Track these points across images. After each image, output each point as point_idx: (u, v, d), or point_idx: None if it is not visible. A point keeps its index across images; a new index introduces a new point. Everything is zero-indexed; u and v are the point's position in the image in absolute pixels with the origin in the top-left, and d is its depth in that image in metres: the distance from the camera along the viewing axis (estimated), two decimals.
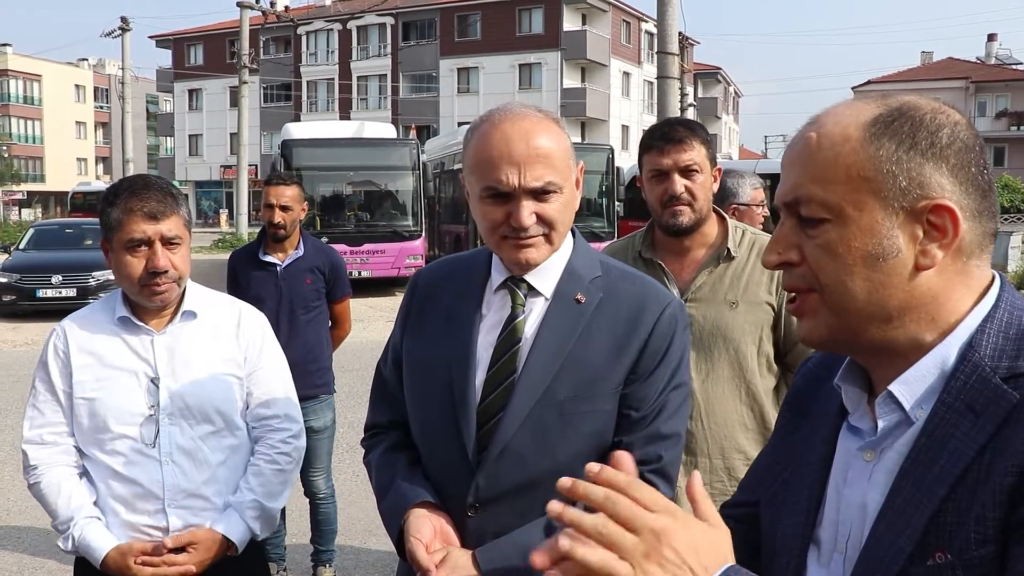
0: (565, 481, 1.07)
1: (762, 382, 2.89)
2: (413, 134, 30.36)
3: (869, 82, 61.81)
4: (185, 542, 2.58)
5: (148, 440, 2.60)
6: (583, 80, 54.76)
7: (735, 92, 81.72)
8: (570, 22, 53.38)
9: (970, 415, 1.14)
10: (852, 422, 1.30)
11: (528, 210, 1.91)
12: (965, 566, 1.09)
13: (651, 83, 17.04)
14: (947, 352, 1.19)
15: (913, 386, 1.21)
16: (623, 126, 56.36)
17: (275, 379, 2.83)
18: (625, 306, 2.00)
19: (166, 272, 2.56)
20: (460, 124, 38.28)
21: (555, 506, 1.06)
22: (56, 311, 16.72)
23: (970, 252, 1.20)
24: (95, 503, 2.63)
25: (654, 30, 17.09)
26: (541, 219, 1.94)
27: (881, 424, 1.24)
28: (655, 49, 17.12)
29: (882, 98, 1.23)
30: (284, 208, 4.94)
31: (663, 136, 2.92)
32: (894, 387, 1.22)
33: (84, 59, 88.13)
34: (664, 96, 16.33)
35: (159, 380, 2.62)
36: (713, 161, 2.96)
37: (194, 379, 2.65)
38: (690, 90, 47.81)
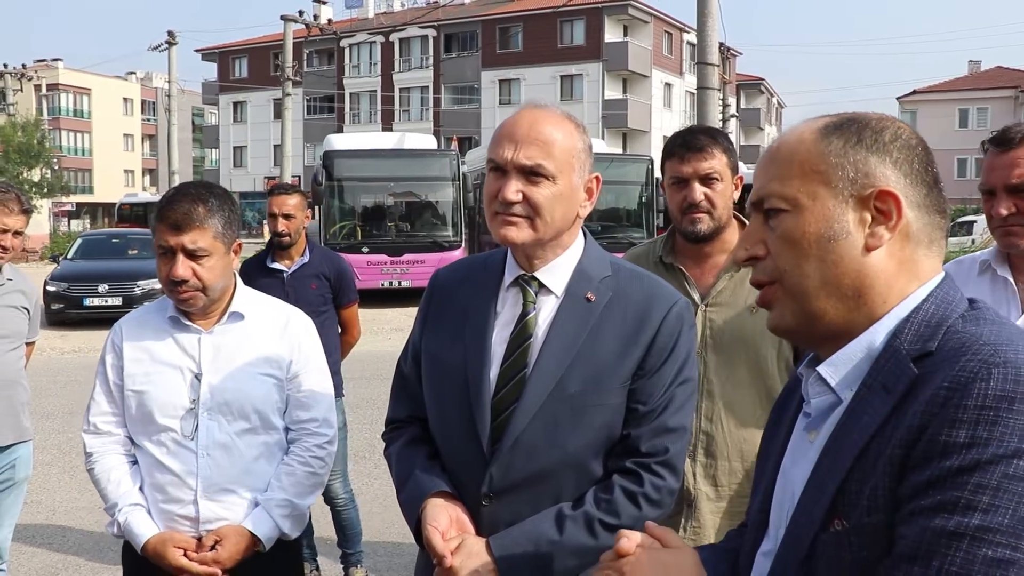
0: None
1: (781, 386, 2.90)
2: (454, 145, 30.46)
3: (915, 92, 61.14)
4: (212, 541, 2.67)
5: (187, 433, 2.71)
6: (624, 91, 54.72)
7: (778, 103, 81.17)
8: (612, 33, 53.39)
9: (883, 393, 1.22)
10: (804, 407, 1.39)
11: (515, 187, 2.01)
12: (856, 533, 1.18)
13: (693, 94, 17.00)
14: (874, 337, 1.28)
15: (840, 367, 1.31)
16: (664, 137, 55.92)
17: (316, 384, 2.90)
18: (633, 305, 2.08)
19: (186, 281, 2.64)
20: None
21: None
22: (102, 319, 17.03)
23: (918, 240, 1.30)
24: (141, 490, 2.76)
25: (696, 41, 17.03)
26: (527, 200, 2.01)
27: (812, 403, 1.35)
28: (696, 60, 17.09)
29: (835, 114, 1.37)
30: (287, 216, 5.14)
31: (684, 144, 2.94)
32: (822, 368, 1.32)
33: (132, 73, 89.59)
34: (704, 107, 16.27)
35: (202, 376, 2.73)
36: (734, 169, 2.97)
37: (235, 377, 2.75)
38: (732, 101, 47.58)
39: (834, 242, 1.28)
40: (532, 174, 2.01)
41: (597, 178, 2.14)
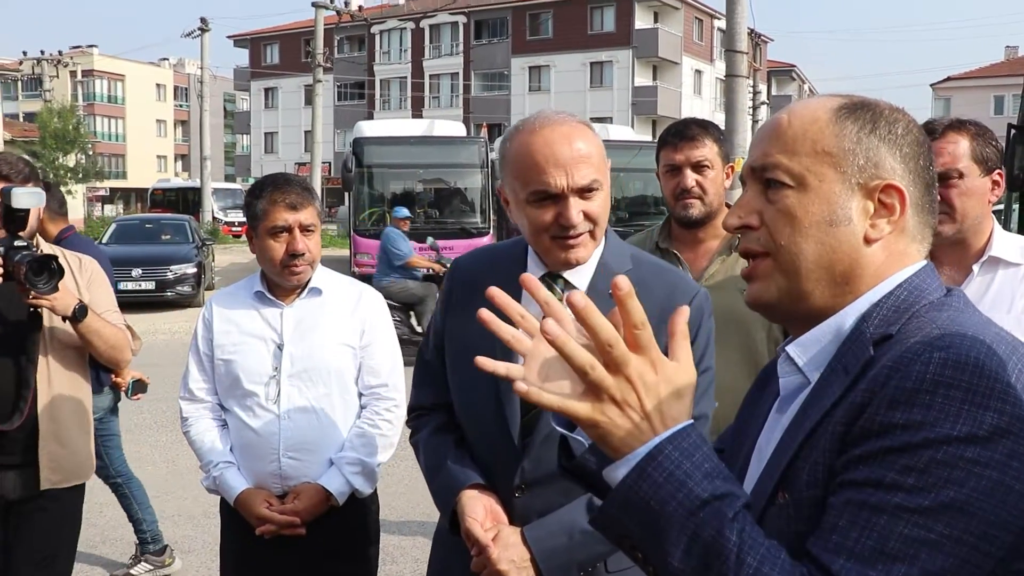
0: (579, 299, 1.16)
1: None
2: (484, 132, 30.52)
3: (949, 78, 60.46)
4: (292, 497, 2.96)
5: (271, 398, 2.99)
6: (654, 78, 54.53)
7: (810, 90, 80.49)
8: (642, 20, 53.19)
9: (843, 374, 1.22)
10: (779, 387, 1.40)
11: (576, 208, 2.02)
12: (795, 505, 1.19)
13: (723, 81, 16.95)
14: (843, 320, 1.29)
15: (808, 348, 1.31)
16: None
17: (385, 353, 3.14)
18: (656, 297, 2.07)
19: (303, 255, 2.93)
20: None
21: (579, 298, 1.17)
22: (136, 303, 17.22)
23: (912, 236, 1.31)
24: (231, 450, 3.04)
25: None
26: (587, 216, 2.05)
27: (781, 382, 1.36)
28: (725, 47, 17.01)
29: (847, 96, 1.35)
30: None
31: (677, 133, 3.16)
32: (790, 348, 1.33)
33: (165, 59, 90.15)
34: (733, 94, 16.15)
35: (284, 346, 3.00)
36: (726, 158, 3.18)
37: (313, 347, 3.01)
38: (763, 88, 47.27)
39: (835, 227, 1.27)
40: (588, 190, 2.04)
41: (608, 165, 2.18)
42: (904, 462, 1.09)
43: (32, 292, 3.01)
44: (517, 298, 2.11)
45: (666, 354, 1.22)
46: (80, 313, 3.17)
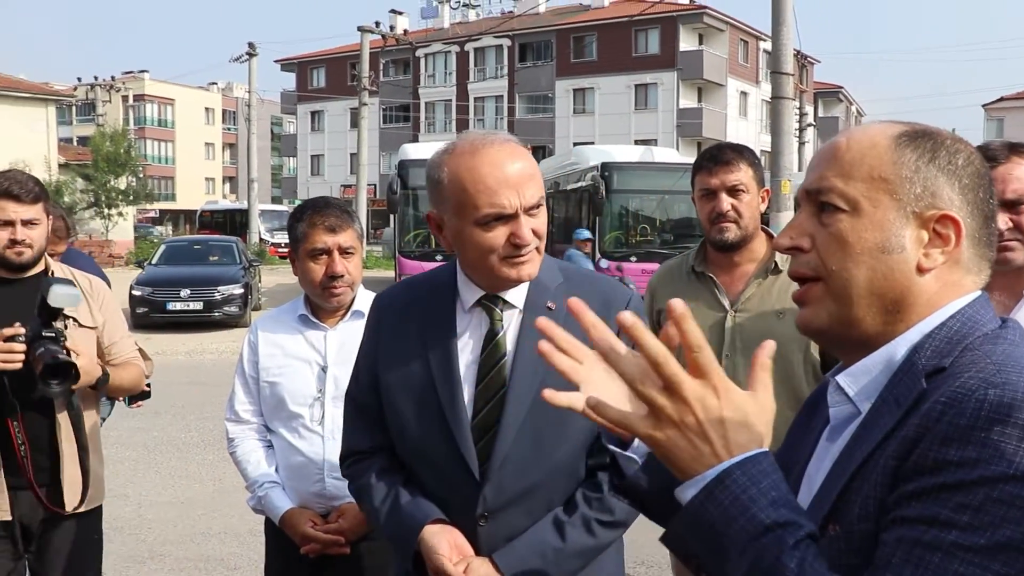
0: (627, 317, 1.18)
1: (808, 390, 2.97)
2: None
3: (1002, 99, 59.61)
4: (336, 516, 2.97)
5: (316, 419, 3.02)
6: (699, 100, 54.37)
7: (857, 111, 79.86)
8: (686, 42, 53.10)
9: (895, 407, 1.21)
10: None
11: (528, 227, 2.01)
12: (847, 539, 1.19)
13: (769, 102, 16.93)
14: (895, 350, 1.27)
15: (859, 378, 1.30)
16: None
17: None
18: (592, 307, 2.06)
19: (342, 277, 2.97)
20: (575, 144, 38.43)
21: (627, 317, 1.19)
22: (184, 323, 17.48)
23: (967, 268, 1.30)
24: (276, 470, 3.07)
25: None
26: (535, 233, 2.04)
27: (832, 411, 1.35)
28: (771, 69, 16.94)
29: (909, 123, 1.34)
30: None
31: (712, 158, 3.18)
32: (840, 378, 1.32)
33: (214, 83, 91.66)
34: (779, 117, 16.07)
35: (328, 368, 3.02)
36: (760, 183, 3.18)
37: None
38: (809, 110, 46.99)
39: (887, 254, 1.26)
40: (535, 207, 2.03)
41: None
42: (959, 499, 1.08)
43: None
44: (451, 325, 2.13)
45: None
46: (102, 382, 3.26)
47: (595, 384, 1.31)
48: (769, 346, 1.25)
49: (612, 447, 1.46)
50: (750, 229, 3.15)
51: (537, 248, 2.06)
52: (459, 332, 2.13)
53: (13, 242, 3.23)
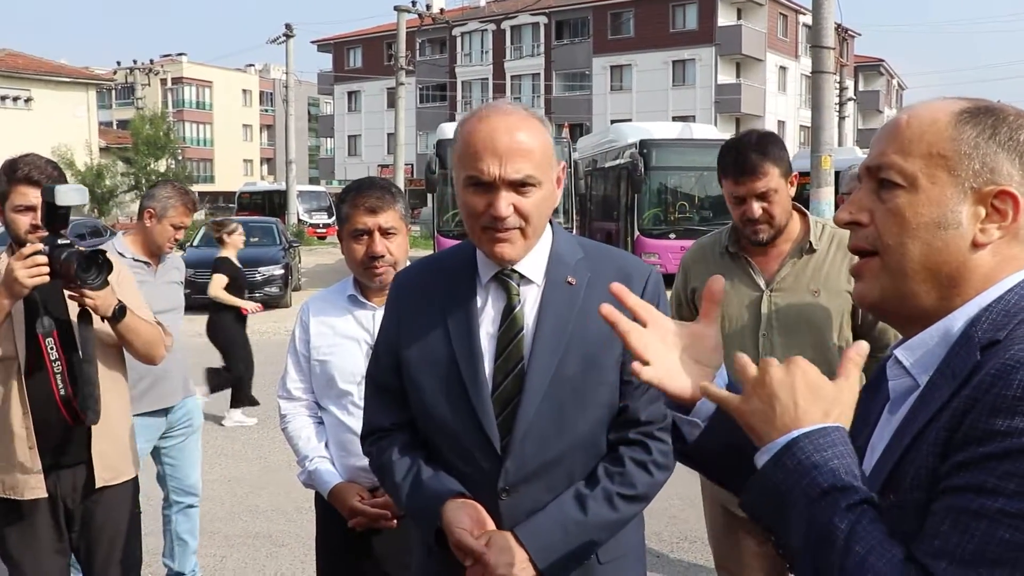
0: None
1: None
2: (566, 132, 30.48)
3: None
4: (382, 492, 2.95)
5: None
6: (738, 75, 53.86)
7: (899, 84, 78.72)
8: (725, 17, 52.57)
9: (951, 379, 1.23)
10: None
11: (507, 201, 1.98)
12: (902, 507, 1.22)
13: (808, 77, 16.68)
14: (952, 323, 1.30)
15: (915, 351, 1.34)
16: (779, 121, 55.07)
17: None
18: (611, 279, 1.98)
19: (383, 257, 3.00)
20: (613, 122, 38.28)
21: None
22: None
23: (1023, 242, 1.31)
24: (326, 446, 3.15)
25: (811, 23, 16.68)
26: (518, 211, 2.00)
27: (891, 384, 1.38)
28: (811, 43, 16.74)
29: (973, 99, 1.35)
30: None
31: (737, 166, 3.10)
32: (898, 351, 1.36)
33: (251, 65, 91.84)
34: (819, 91, 15.89)
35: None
36: (788, 172, 3.14)
37: None
38: (849, 84, 46.38)
39: (944, 230, 1.28)
40: (521, 185, 1.99)
41: (563, 166, 2.16)
42: (1005, 468, 1.11)
43: (80, 290, 3.05)
44: (471, 300, 2.14)
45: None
46: (120, 313, 3.24)
47: (657, 349, 1.43)
48: (862, 347, 1.32)
49: (672, 411, 1.52)
50: (783, 222, 3.16)
51: (521, 229, 2.03)
52: (480, 307, 2.14)
53: (35, 227, 3.25)
